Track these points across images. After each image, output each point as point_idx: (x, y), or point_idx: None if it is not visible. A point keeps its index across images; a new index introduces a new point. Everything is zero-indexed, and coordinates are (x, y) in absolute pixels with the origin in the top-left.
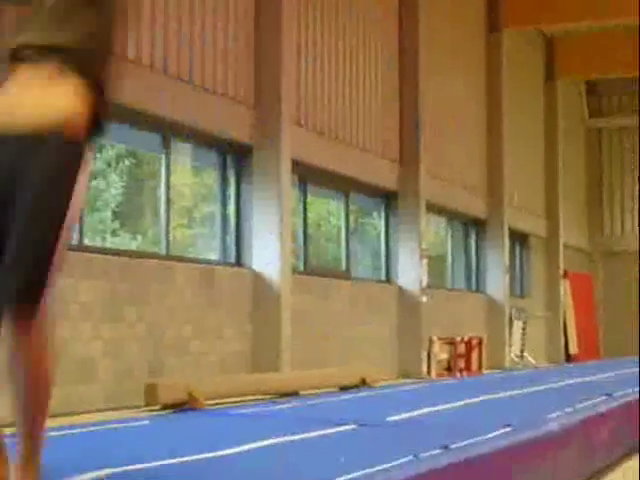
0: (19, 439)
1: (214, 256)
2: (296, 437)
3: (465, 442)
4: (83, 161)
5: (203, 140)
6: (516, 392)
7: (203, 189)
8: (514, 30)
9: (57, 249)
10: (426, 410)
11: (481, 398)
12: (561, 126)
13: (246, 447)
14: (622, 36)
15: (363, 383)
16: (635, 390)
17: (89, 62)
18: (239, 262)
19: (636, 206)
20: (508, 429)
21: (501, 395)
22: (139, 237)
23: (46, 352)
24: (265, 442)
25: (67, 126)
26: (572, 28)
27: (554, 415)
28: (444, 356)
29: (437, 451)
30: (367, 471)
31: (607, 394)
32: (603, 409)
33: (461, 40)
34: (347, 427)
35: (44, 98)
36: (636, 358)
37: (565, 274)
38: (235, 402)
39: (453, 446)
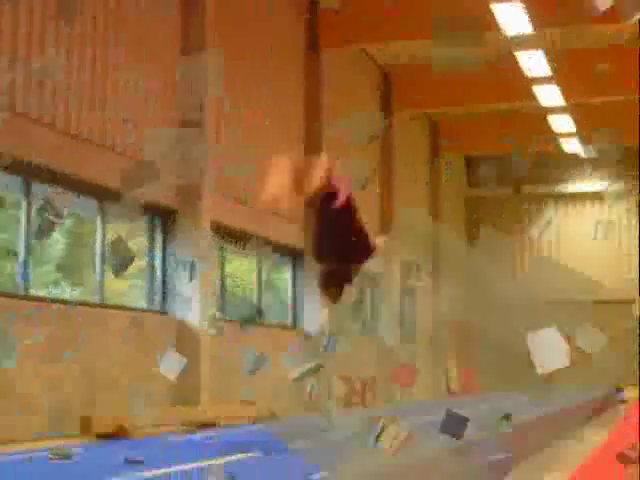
0: None
1: (143, 304)
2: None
3: None
4: None
5: (133, 204)
6: None
7: (135, 245)
8: (403, 113)
9: None
10: None
11: None
12: (443, 195)
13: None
14: (496, 118)
15: (273, 415)
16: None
17: None
18: (164, 310)
19: None
20: None
21: None
22: (77, 287)
23: None
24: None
25: None
26: (452, 111)
27: None
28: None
29: None
30: None
31: None
32: None
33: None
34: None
35: None
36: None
37: None
38: (160, 432)
39: None
